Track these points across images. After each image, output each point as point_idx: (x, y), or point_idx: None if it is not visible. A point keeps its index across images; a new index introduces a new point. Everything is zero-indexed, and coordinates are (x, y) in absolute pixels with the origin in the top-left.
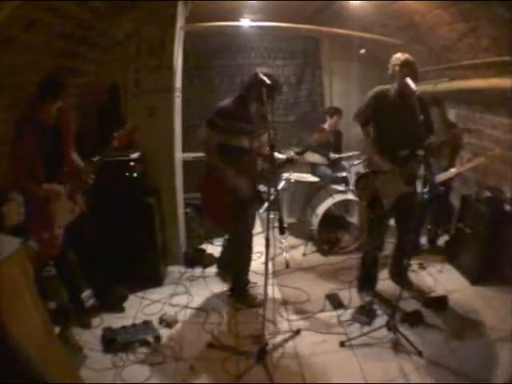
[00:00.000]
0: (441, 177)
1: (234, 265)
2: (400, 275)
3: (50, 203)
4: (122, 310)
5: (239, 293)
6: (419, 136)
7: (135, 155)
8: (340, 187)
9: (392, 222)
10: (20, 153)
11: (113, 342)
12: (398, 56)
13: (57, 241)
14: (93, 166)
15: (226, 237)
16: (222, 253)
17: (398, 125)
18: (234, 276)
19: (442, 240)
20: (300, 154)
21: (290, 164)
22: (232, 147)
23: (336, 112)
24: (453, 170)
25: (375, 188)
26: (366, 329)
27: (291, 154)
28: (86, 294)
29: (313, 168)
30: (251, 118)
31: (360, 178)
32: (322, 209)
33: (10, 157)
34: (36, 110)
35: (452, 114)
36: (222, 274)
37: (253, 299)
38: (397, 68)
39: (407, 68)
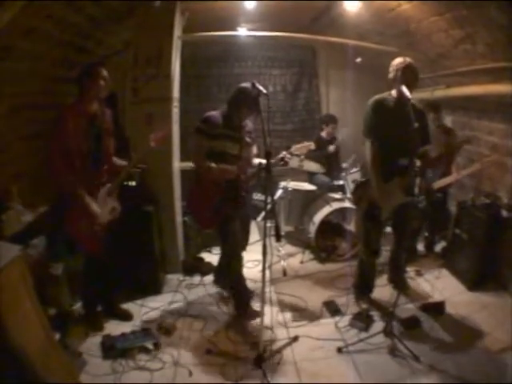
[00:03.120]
0: (438, 183)
1: (233, 283)
2: (398, 280)
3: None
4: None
5: (243, 310)
6: (416, 144)
7: None
8: (337, 195)
9: (387, 228)
10: (65, 145)
11: (112, 349)
12: (400, 60)
13: (96, 238)
14: (133, 162)
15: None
16: (218, 267)
17: (397, 133)
18: (235, 294)
19: (439, 246)
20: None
21: (283, 163)
22: (221, 153)
23: (331, 120)
24: (450, 177)
25: (373, 197)
26: (364, 335)
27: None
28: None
29: (310, 176)
30: (239, 127)
31: (358, 185)
32: (319, 217)
33: (52, 150)
34: (82, 103)
35: (448, 121)
36: (220, 285)
37: (255, 316)
38: (399, 73)
39: (409, 73)
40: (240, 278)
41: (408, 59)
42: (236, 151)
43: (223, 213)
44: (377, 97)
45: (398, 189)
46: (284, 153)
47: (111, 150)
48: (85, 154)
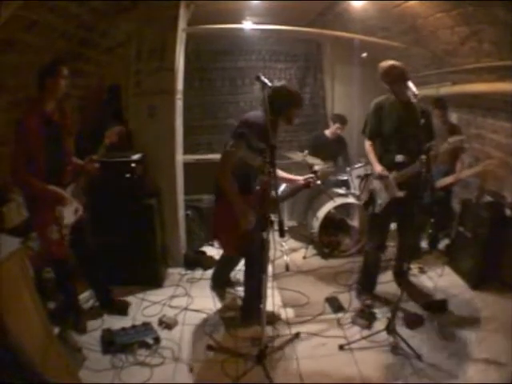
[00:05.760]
0: (440, 183)
1: (247, 289)
2: (401, 278)
3: (56, 204)
4: (125, 313)
5: (251, 315)
6: (417, 142)
7: (136, 157)
8: (341, 190)
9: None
10: (27, 147)
11: (112, 343)
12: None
13: (64, 241)
14: (94, 163)
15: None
16: (217, 268)
17: (395, 131)
18: (245, 301)
19: (442, 244)
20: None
21: (307, 186)
22: (253, 168)
23: (339, 120)
24: (451, 177)
25: (372, 188)
26: (366, 332)
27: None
28: (85, 295)
29: None
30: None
31: (363, 177)
32: (322, 212)
33: (15, 154)
34: (40, 102)
35: (454, 118)
36: (217, 290)
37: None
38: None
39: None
40: (260, 289)
41: (390, 62)
42: (270, 169)
43: (251, 237)
44: (376, 99)
45: (393, 183)
46: (311, 175)
47: (72, 149)
48: (46, 155)
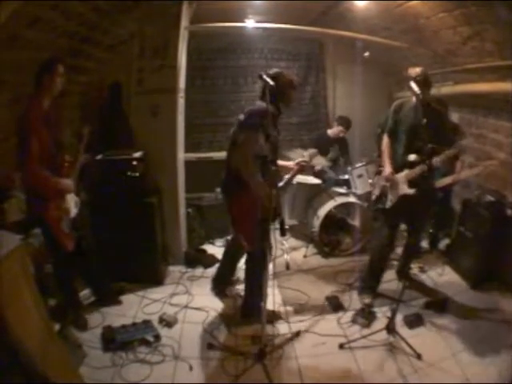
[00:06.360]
0: (439, 183)
1: (248, 287)
2: (405, 276)
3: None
4: (119, 302)
5: (251, 314)
6: (427, 142)
7: (138, 154)
8: (342, 190)
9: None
10: (38, 142)
11: (112, 341)
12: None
13: (72, 234)
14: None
15: (225, 250)
16: (220, 269)
17: (409, 132)
18: (246, 298)
19: (442, 243)
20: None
21: (300, 171)
22: (264, 158)
23: (344, 123)
24: (449, 178)
25: (384, 184)
26: (366, 331)
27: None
28: (85, 292)
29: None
30: (277, 128)
31: (376, 173)
32: (323, 211)
33: (26, 149)
34: (38, 99)
35: (455, 118)
36: (217, 291)
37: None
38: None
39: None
40: (262, 286)
41: (418, 68)
42: (276, 156)
43: (263, 230)
44: (398, 101)
45: (403, 180)
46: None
47: (65, 145)
48: (48, 152)
